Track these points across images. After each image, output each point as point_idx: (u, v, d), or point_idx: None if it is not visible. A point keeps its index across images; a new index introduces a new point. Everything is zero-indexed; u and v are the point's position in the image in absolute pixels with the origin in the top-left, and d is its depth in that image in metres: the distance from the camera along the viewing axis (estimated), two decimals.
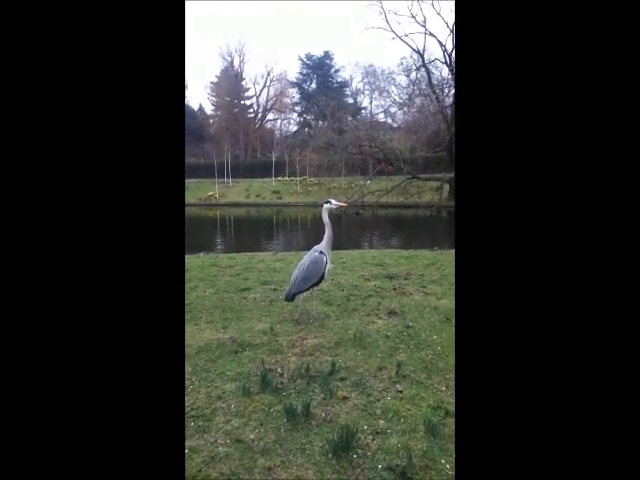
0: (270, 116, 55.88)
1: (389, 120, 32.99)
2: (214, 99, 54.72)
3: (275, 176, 37.03)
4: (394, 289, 5.69)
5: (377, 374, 3.26)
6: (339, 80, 51.90)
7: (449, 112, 24.24)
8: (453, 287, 4.71)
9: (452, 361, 3.36)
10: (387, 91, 30.59)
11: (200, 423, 2.64)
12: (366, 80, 44.17)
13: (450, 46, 24.36)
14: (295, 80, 52.71)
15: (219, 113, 53.77)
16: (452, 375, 3.16)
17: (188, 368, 3.37)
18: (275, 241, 17.31)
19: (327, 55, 51.40)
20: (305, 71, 52.31)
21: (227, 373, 3.30)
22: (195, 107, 54.30)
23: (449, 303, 4.94)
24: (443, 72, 26.66)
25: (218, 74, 53.64)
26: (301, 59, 51.85)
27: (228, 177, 37.49)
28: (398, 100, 29.48)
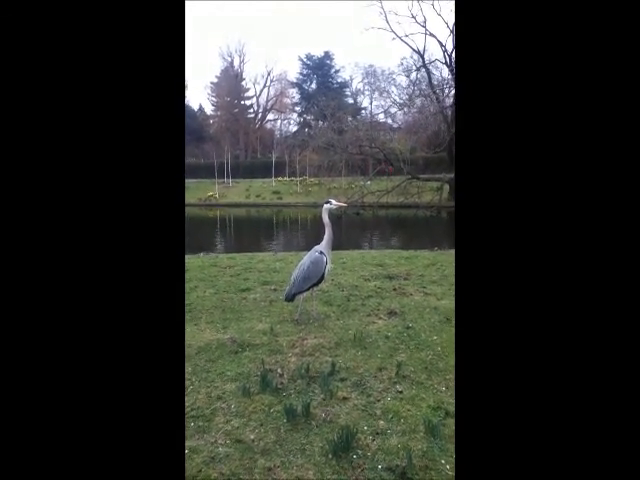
0: (270, 116, 56.01)
1: (389, 120, 33.02)
2: (214, 99, 54.76)
3: (275, 176, 37.04)
4: (394, 289, 5.69)
5: (377, 374, 3.26)
6: (339, 80, 51.99)
7: (449, 112, 24.24)
8: (453, 287, 4.71)
9: (452, 361, 3.36)
10: (387, 91, 30.59)
11: (200, 423, 2.64)
12: (366, 80, 44.19)
13: (450, 46, 24.39)
14: (295, 80, 52.81)
15: (219, 113, 53.78)
16: (452, 375, 3.16)
17: (188, 368, 3.37)
18: (275, 241, 17.31)
19: (327, 55, 51.45)
20: (305, 71, 52.35)
21: (227, 373, 3.30)
22: (195, 107, 54.42)
23: (449, 303, 4.94)
24: (443, 72, 26.70)
25: (218, 74, 53.74)
26: (301, 59, 51.95)
27: (228, 177, 37.49)
28: (398, 100, 29.49)
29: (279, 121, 56.76)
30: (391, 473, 2.18)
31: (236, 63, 52.75)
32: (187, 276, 6.33)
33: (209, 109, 56.06)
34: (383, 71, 34.21)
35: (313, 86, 51.53)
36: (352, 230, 19.19)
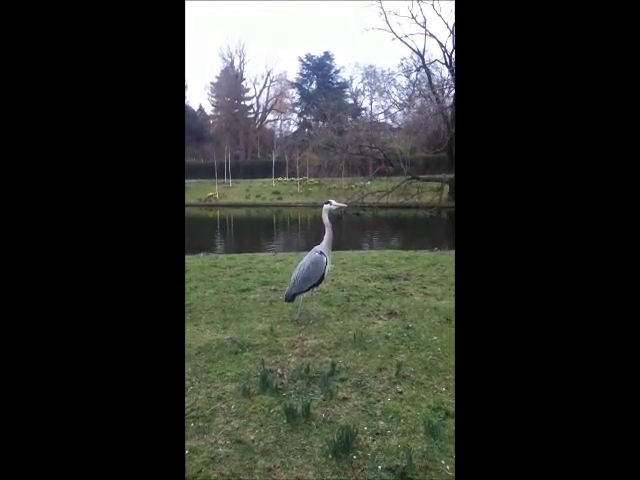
0: (270, 116, 56.00)
1: (389, 121, 32.98)
2: (214, 99, 54.75)
3: (275, 176, 37.03)
4: (394, 290, 5.69)
5: (377, 375, 3.26)
6: (339, 81, 51.97)
7: (449, 113, 24.24)
8: (453, 288, 4.71)
9: (452, 362, 3.35)
10: (387, 92, 30.55)
11: (200, 424, 2.64)
12: (366, 81, 44.14)
13: (450, 47, 24.39)
14: (295, 81, 52.79)
15: (219, 113, 53.77)
16: (452, 376, 3.16)
17: (188, 369, 3.36)
18: (275, 241, 17.31)
19: (327, 56, 51.45)
20: (305, 72, 52.35)
21: (227, 374, 3.30)
22: (195, 107, 54.40)
23: (449, 304, 4.93)
24: (443, 73, 26.69)
25: (218, 74, 53.72)
26: (301, 60, 51.94)
27: (228, 177, 37.48)
28: (398, 101, 29.46)
29: (279, 121, 56.86)
30: (391, 473, 2.17)
31: (236, 63, 52.82)
32: (187, 276, 6.33)
33: (209, 109, 56.16)
34: (383, 71, 34.17)
35: (313, 86, 51.53)
36: (352, 230, 19.20)
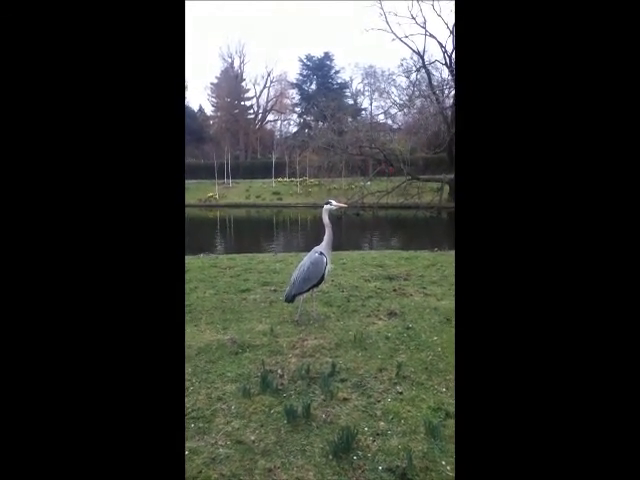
0: (270, 117, 56.00)
1: (389, 121, 33.02)
2: (214, 100, 54.76)
3: (275, 177, 37.03)
4: (394, 290, 5.69)
5: (377, 375, 3.26)
6: (339, 81, 51.96)
7: (449, 113, 24.24)
8: (453, 288, 4.71)
9: (452, 362, 3.35)
10: (387, 92, 30.58)
11: (200, 424, 2.64)
12: (366, 81, 44.22)
13: (450, 47, 24.40)
14: (295, 81, 52.79)
15: (219, 114, 53.77)
16: (452, 376, 3.16)
17: (188, 369, 3.36)
18: (275, 242, 17.31)
19: (327, 56, 51.45)
20: (305, 72, 52.35)
21: (227, 374, 3.30)
22: (195, 108, 54.39)
23: (449, 304, 4.93)
24: (443, 73, 26.70)
25: (218, 75, 53.72)
26: (301, 60, 51.94)
27: (228, 178, 37.47)
28: (398, 101, 29.49)
29: (279, 122, 56.86)
30: (391, 474, 2.17)
31: (236, 64, 52.82)
32: (187, 277, 6.33)
33: (209, 110, 56.16)
34: (383, 72, 34.21)
35: (313, 87, 51.54)
36: (352, 231, 19.20)
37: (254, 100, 54.11)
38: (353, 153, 26.15)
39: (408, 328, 4.21)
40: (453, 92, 24.32)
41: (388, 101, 30.65)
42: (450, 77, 25.03)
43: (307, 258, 4.46)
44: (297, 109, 54.01)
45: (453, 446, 2.32)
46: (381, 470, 2.20)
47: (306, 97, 50.15)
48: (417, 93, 27.45)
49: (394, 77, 29.79)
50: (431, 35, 25.27)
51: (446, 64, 25.14)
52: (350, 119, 30.12)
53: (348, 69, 60.18)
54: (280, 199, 33.22)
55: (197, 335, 4.10)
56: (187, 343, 3.80)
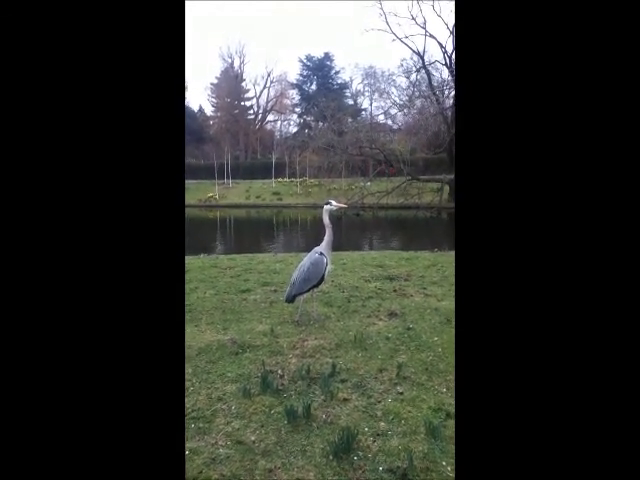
0: (270, 117, 56.01)
1: (389, 122, 33.03)
2: (214, 100, 54.78)
3: (275, 177, 37.03)
4: (394, 290, 5.69)
5: (378, 376, 3.25)
6: (339, 81, 51.98)
7: (449, 114, 24.24)
8: (453, 288, 4.71)
9: (453, 363, 3.35)
10: (387, 92, 30.60)
11: (200, 424, 2.64)
12: (366, 82, 44.28)
13: (450, 48, 24.41)
14: (295, 81, 52.81)
15: (219, 114, 53.80)
16: (453, 377, 3.15)
17: (188, 369, 3.36)
18: (275, 242, 17.31)
19: (327, 56, 51.47)
20: (305, 72, 52.37)
21: (227, 374, 3.30)
22: (195, 108, 54.41)
23: (450, 304, 4.93)
24: (443, 74, 26.71)
25: (218, 75, 53.76)
26: (301, 60, 51.97)
27: (228, 178, 37.48)
28: (398, 102, 29.51)
29: (279, 122, 56.87)
30: (392, 474, 2.17)
31: (236, 64, 52.84)
32: (187, 277, 6.33)
33: (209, 110, 56.18)
34: (383, 72, 34.24)
35: (313, 87, 51.56)
36: (352, 231, 19.20)
37: (254, 100, 54.19)
38: (353, 153, 26.16)
39: (408, 329, 4.21)
40: (453, 92, 24.34)
41: (388, 101, 30.70)
42: (450, 77, 25.03)
43: (307, 258, 4.46)
44: (297, 109, 54.05)
45: (454, 447, 2.32)
46: (382, 471, 2.20)
47: (306, 97, 50.17)
48: (417, 93, 27.47)
49: (394, 77, 29.85)
50: (431, 35, 25.31)
51: (446, 64, 25.15)
52: (350, 119, 30.12)
53: (348, 69, 60.40)
54: (280, 199, 33.22)
55: (197, 335, 4.09)
56: (187, 343, 3.80)
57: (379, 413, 2.73)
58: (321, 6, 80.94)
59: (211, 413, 2.77)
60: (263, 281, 6.33)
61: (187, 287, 5.77)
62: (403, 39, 25.56)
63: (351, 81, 50.93)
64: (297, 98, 53.78)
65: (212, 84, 54.03)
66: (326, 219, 4.50)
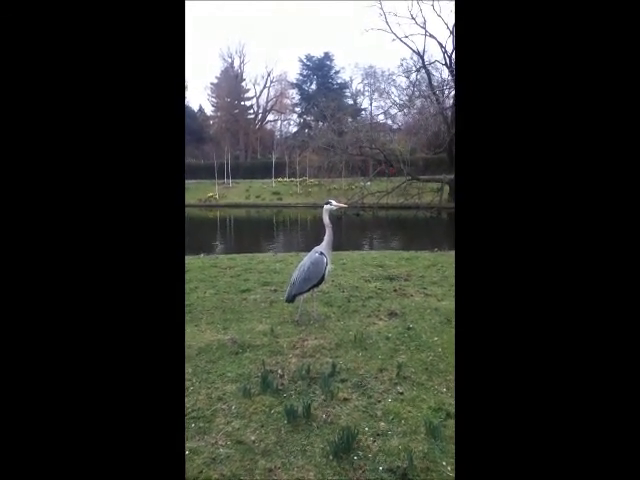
0: (270, 117, 56.00)
1: (389, 121, 32.99)
2: (214, 100, 54.76)
3: (275, 177, 37.03)
4: (394, 290, 5.69)
5: (378, 375, 3.25)
6: (339, 81, 51.96)
7: (449, 113, 24.23)
8: (453, 288, 4.70)
9: (453, 362, 3.35)
10: (387, 92, 30.55)
11: (201, 424, 2.64)
12: (366, 81, 44.25)
13: (450, 47, 24.40)
14: (295, 81, 52.80)
15: (219, 114, 53.77)
16: (453, 377, 3.15)
17: (188, 369, 3.36)
18: (275, 242, 17.30)
19: (327, 56, 51.46)
20: (305, 72, 52.36)
21: (228, 374, 3.30)
22: (195, 108, 54.39)
23: (450, 304, 4.93)
24: (443, 73, 26.68)
25: (218, 75, 53.74)
26: (301, 60, 51.95)
27: (228, 178, 37.48)
28: (398, 101, 29.47)
29: (279, 122, 56.87)
30: (392, 474, 2.17)
31: (236, 64, 52.83)
32: (187, 277, 6.33)
33: (209, 110, 56.16)
34: (383, 72, 34.20)
35: (313, 87, 51.54)
36: (352, 231, 19.20)
37: (254, 100, 54.18)
38: (353, 153, 26.16)
39: (409, 328, 4.21)
40: (453, 92, 24.33)
41: (388, 101, 30.65)
42: (450, 77, 25.02)
43: (307, 258, 4.46)
44: (297, 109, 54.04)
45: (454, 446, 2.32)
46: (382, 470, 2.20)
47: (306, 97, 50.16)
48: (417, 93, 27.45)
49: (394, 77, 29.79)
50: (431, 35, 25.29)
51: (446, 64, 25.14)
52: (350, 119, 30.11)
53: (348, 69, 60.44)
54: (280, 199, 33.21)
55: (197, 335, 4.09)
56: (187, 343, 3.80)
57: (379, 413, 2.73)
58: (321, 6, 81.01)
59: (211, 413, 2.77)
60: (263, 281, 6.33)
61: (187, 287, 5.77)
62: (403, 39, 25.56)
63: (351, 81, 51.00)
64: (297, 98, 53.81)
65: (212, 84, 54.10)
66: (326, 219, 4.50)
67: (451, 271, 6.66)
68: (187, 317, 4.58)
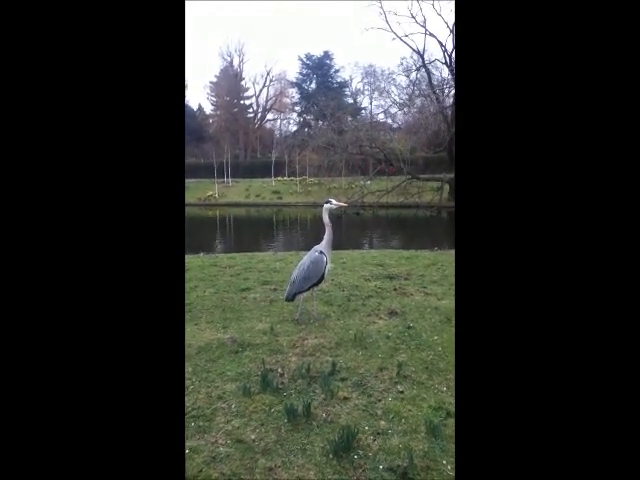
0: (270, 116, 55.95)
1: (389, 120, 32.97)
2: (214, 99, 54.72)
3: (275, 176, 37.04)
4: (395, 289, 5.69)
5: (378, 374, 3.25)
6: (339, 80, 51.91)
7: (449, 112, 24.23)
8: (453, 287, 4.70)
9: (453, 361, 3.35)
10: (387, 91, 30.53)
11: (201, 423, 2.64)
12: (366, 80, 44.25)
13: (450, 46, 24.37)
14: (295, 80, 52.75)
15: (219, 113, 53.74)
16: (453, 375, 3.15)
17: (188, 368, 3.36)
18: (275, 241, 17.30)
19: (327, 55, 51.40)
20: (305, 71, 52.30)
21: (227, 373, 3.30)
22: (195, 107, 54.34)
23: (450, 303, 4.93)
24: (443, 72, 26.67)
25: (218, 74, 53.70)
26: (301, 59, 51.89)
27: (228, 177, 37.49)
28: (398, 100, 29.45)
29: (279, 121, 56.80)
30: (392, 473, 2.17)
31: (235, 63, 52.79)
32: (187, 276, 6.32)
33: (208, 109, 56.13)
34: (383, 71, 34.24)
35: (313, 86, 51.47)
36: (352, 230, 19.20)
37: (253, 99, 54.14)
38: (353, 152, 26.14)
39: (409, 327, 4.21)
40: (453, 91, 24.32)
41: (388, 100, 30.62)
42: (450, 76, 25.00)
43: (307, 257, 4.46)
44: (297, 108, 53.96)
45: (454, 445, 2.32)
46: (382, 469, 2.20)
47: (306, 96, 50.10)
48: (417, 92, 27.43)
49: (394, 76, 29.79)
50: (431, 34, 25.27)
51: (446, 63, 25.12)
52: (350, 118, 30.14)
53: (348, 68, 60.16)
54: (280, 198, 33.22)
55: (197, 334, 4.10)
56: (187, 342, 3.80)
57: (379, 412, 2.74)
58: (321, 6, 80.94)
59: (211, 412, 2.77)
60: (263, 280, 6.33)
61: (187, 286, 5.77)
62: (403, 38, 25.54)
63: (351, 80, 50.94)
64: (297, 97, 53.75)
65: (211, 83, 54.05)
66: (326, 218, 4.50)
67: (451, 270, 6.66)
68: (187, 316, 4.58)
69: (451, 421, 2.59)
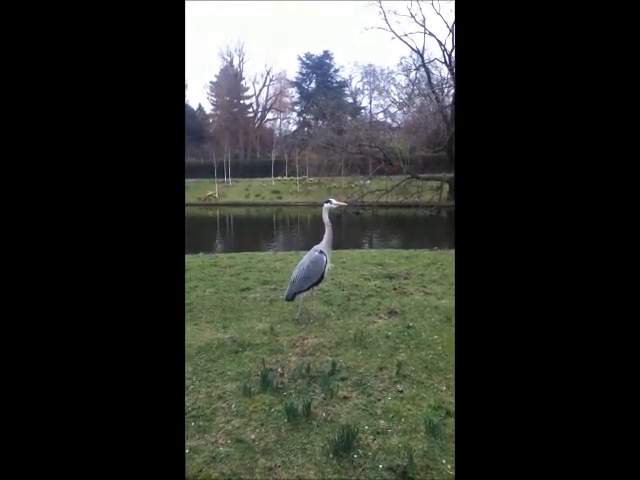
0: (269, 116, 55.91)
1: (389, 120, 33.03)
2: (213, 99, 54.69)
3: (275, 176, 37.03)
4: (394, 289, 5.69)
5: (378, 374, 3.26)
6: (338, 80, 51.90)
7: (449, 112, 24.24)
8: (453, 287, 4.70)
9: (453, 361, 3.35)
10: (387, 91, 30.60)
11: (201, 423, 2.64)
12: (365, 80, 44.30)
13: (450, 46, 24.39)
14: (294, 80, 52.72)
15: (218, 113, 53.71)
16: (453, 375, 3.16)
17: (188, 368, 3.36)
18: (275, 241, 17.30)
19: (327, 55, 51.36)
20: (305, 71, 52.26)
21: (227, 373, 3.30)
22: (194, 107, 54.29)
23: (449, 303, 4.93)
24: (443, 72, 26.69)
25: (217, 74, 53.67)
26: (300, 59, 51.86)
27: (228, 177, 37.48)
28: (398, 100, 29.51)
29: (278, 120, 56.76)
30: (392, 473, 2.17)
31: (235, 62, 52.75)
32: (187, 275, 6.32)
33: (208, 108, 56.09)
34: (382, 70, 34.27)
35: (312, 85, 51.45)
36: (352, 229, 19.20)
37: (253, 99, 54.09)
38: (353, 152, 26.17)
39: (408, 327, 4.21)
40: (453, 91, 24.32)
41: (387, 100, 30.69)
42: (450, 76, 25.01)
43: (307, 257, 4.46)
44: (296, 108, 53.94)
45: (453, 445, 2.32)
46: (382, 469, 2.20)
47: (305, 96, 50.09)
48: (417, 92, 27.46)
49: (393, 76, 29.85)
50: (430, 34, 25.29)
51: (445, 63, 25.14)
52: (350, 118, 30.18)
53: (347, 68, 60.34)
54: (280, 198, 33.21)
55: (197, 334, 4.10)
56: (187, 342, 3.80)
57: (379, 411, 2.74)
58: (321, 6, 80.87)
59: (211, 412, 2.77)
60: (263, 279, 6.33)
61: (187, 286, 5.77)
62: (402, 37, 25.56)
63: (350, 79, 50.93)
64: (296, 96, 53.72)
65: (211, 82, 54.02)
66: (326, 217, 4.50)
67: (451, 269, 6.66)
68: (187, 316, 4.58)
69: (451, 420, 2.59)
